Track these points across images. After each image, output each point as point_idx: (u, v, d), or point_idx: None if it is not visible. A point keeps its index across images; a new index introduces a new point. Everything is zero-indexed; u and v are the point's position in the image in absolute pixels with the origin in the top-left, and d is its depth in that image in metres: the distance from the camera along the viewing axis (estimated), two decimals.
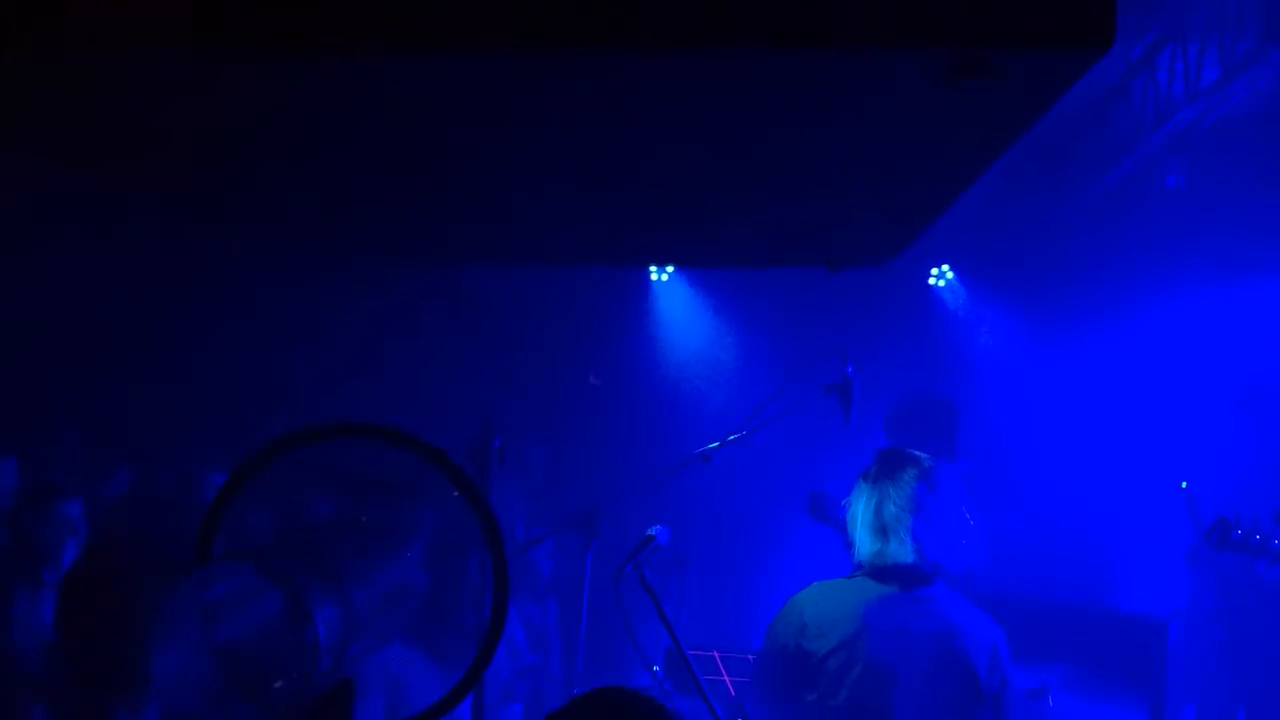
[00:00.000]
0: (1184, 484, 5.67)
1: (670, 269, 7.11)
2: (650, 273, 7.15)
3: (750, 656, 4.41)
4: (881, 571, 3.78)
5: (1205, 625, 6.17)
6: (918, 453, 3.93)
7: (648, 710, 2.28)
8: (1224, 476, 6.22)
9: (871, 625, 3.71)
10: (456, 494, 2.24)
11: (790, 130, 2.02)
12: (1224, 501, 5.94)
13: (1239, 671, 6.07)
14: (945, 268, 7.46)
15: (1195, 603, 6.43)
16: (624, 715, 2.25)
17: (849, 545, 3.95)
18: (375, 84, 2.00)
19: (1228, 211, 6.02)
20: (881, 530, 3.79)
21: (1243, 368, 6.11)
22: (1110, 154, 6.40)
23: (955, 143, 2.02)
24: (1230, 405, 6.02)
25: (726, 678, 4.83)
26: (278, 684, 1.81)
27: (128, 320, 3.38)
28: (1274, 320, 5.93)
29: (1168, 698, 5.63)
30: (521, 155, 2.43)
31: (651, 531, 4.00)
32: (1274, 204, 5.89)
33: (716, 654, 4.84)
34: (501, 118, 2.15)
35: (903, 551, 3.75)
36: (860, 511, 3.86)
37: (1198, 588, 6.38)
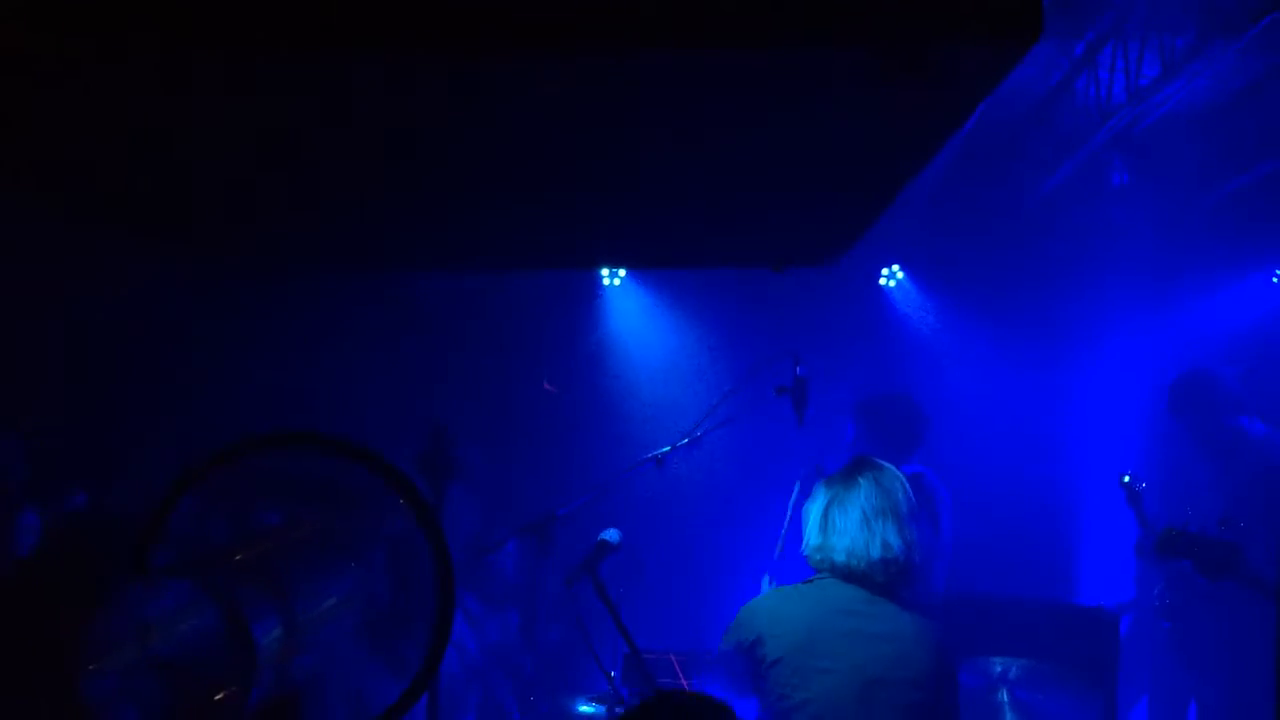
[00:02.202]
0: (1125, 478, 5.73)
1: (622, 272, 7.11)
2: (602, 276, 7.15)
3: (708, 657, 4.41)
4: (828, 572, 3.81)
5: (1154, 618, 6.24)
6: (884, 462, 3.97)
7: (716, 712, 2.29)
8: (1169, 474, 6.30)
9: (823, 631, 3.74)
10: (402, 501, 2.22)
11: (728, 130, 2.02)
12: (1169, 498, 6.03)
13: (1188, 663, 6.14)
14: (896, 268, 7.50)
15: (1144, 596, 6.51)
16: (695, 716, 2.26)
17: (804, 548, 3.99)
18: (314, 83, 1.98)
19: (1172, 208, 6.10)
20: (825, 529, 3.83)
21: (1183, 366, 6.17)
22: (1056, 152, 6.46)
23: (893, 140, 2.03)
24: (1167, 401, 6.09)
25: (684, 680, 4.82)
26: (217, 697, 1.78)
27: (66, 337, 3.34)
28: (1218, 317, 6.01)
29: (1121, 690, 5.69)
30: (462, 157, 2.41)
31: (604, 536, 4.01)
32: (1215, 200, 5.98)
33: (673, 657, 4.83)
34: (442, 119, 2.14)
35: (839, 551, 3.80)
36: (814, 509, 3.91)
37: (1145, 581, 6.46)
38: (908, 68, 1.60)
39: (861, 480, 3.86)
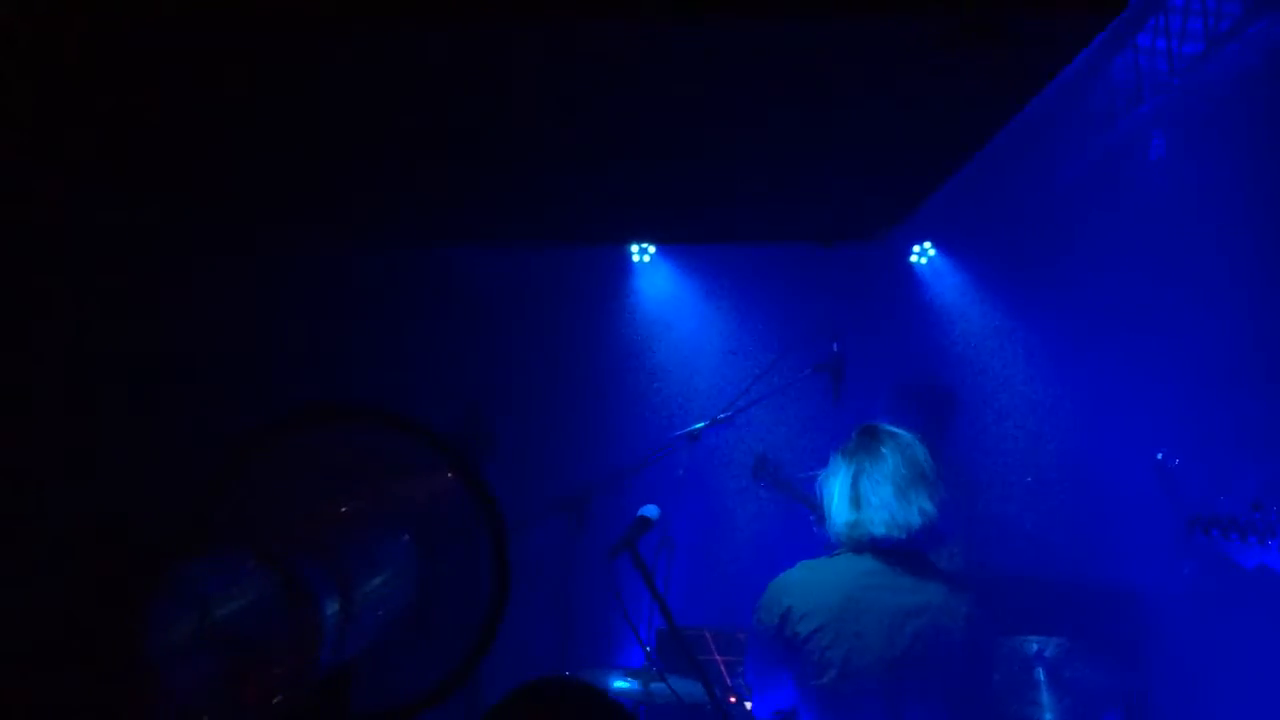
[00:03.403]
0: (1160, 456, 5.69)
1: (652, 249, 7.08)
2: (631, 253, 7.12)
3: (740, 635, 4.41)
4: (859, 546, 3.79)
5: (1184, 598, 6.20)
6: (895, 428, 3.94)
7: (585, 698, 2.27)
8: (1207, 453, 6.25)
9: (853, 603, 3.73)
10: (450, 476, 2.21)
11: (793, 101, 1.98)
12: (1203, 479, 5.98)
13: (1218, 644, 6.10)
14: (927, 244, 7.44)
15: (1175, 575, 6.47)
16: (563, 705, 2.24)
17: (817, 521, 3.96)
18: (370, 57, 1.95)
19: (1212, 184, 6.02)
20: (857, 503, 3.80)
21: (1224, 343, 6.12)
22: (1092, 127, 6.39)
23: (964, 109, 1.99)
24: (1208, 381, 6.04)
25: (717, 656, 4.83)
26: (277, 670, 1.77)
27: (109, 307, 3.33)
28: (1260, 293, 5.94)
29: (1154, 669, 5.67)
30: (509, 130, 2.38)
31: (643, 512, 4.01)
32: (1255, 176, 5.89)
33: (708, 633, 4.83)
34: (494, 91, 2.11)
35: (875, 521, 3.78)
36: (837, 485, 3.88)
37: (1176, 561, 6.42)
38: (987, 33, 1.56)
39: (885, 450, 3.83)
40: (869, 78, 1.87)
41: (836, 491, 3.87)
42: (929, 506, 3.77)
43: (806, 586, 3.83)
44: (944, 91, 1.90)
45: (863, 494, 3.80)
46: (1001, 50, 1.61)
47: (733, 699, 4.58)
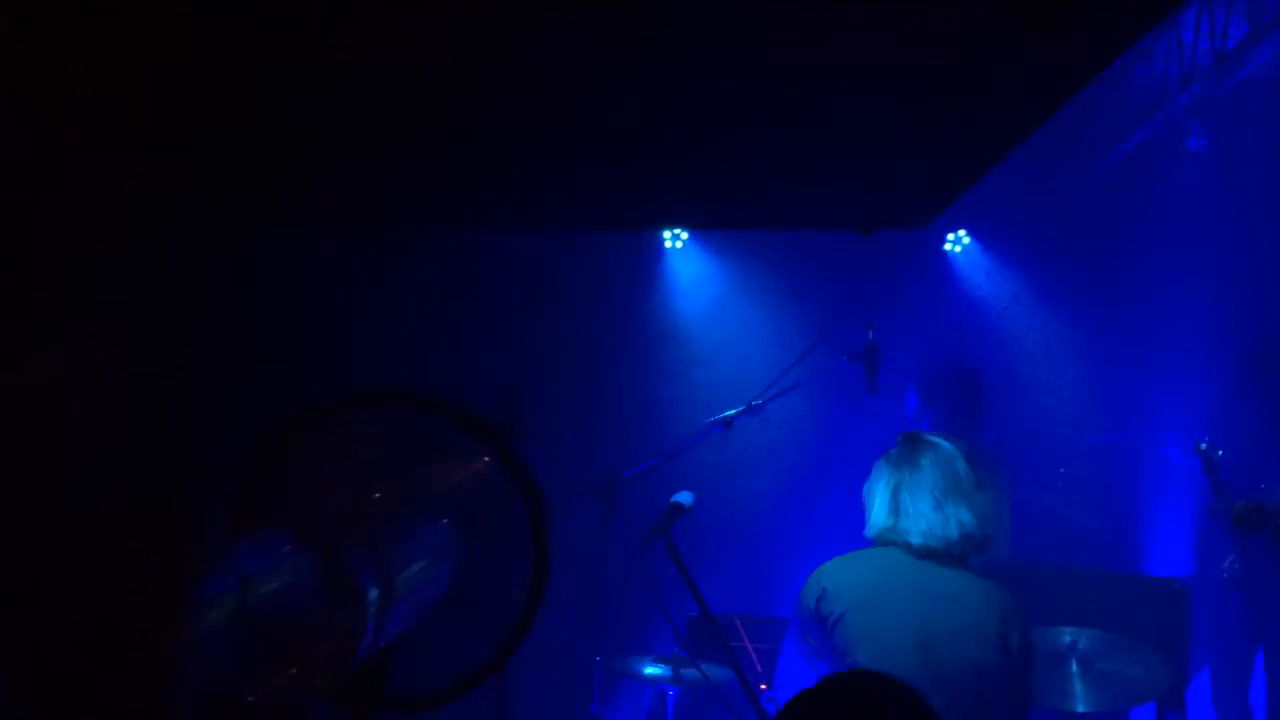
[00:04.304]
0: (1201, 444, 5.64)
1: (684, 235, 7.05)
2: (664, 239, 7.10)
3: (773, 621, 4.42)
4: (909, 552, 3.89)
5: (1223, 589, 6.16)
6: (937, 438, 4.06)
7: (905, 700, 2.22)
8: (1241, 442, 6.18)
9: (880, 589, 3.83)
10: (487, 460, 2.21)
11: (848, 83, 1.96)
12: (1240, 469, 5.92)
13: (1257, 637, 6.06)
14: (962, 233, 7.39)
15: (1213, 566, 6.42)
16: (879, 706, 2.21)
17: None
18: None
19: (1251, 175, 5.96)
20: (896, 512, 3.93)
21: (1263, 332, 6.06)
22: (1132, 116, 6.33)
23: (1014, 96, 1.97)
24: (1244, 370, 5.99)
25: (748, 644, 4.82)
26: (319, 653, 1.78)
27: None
28: None
29: (1189, 660, 5.62)
30: (545, 113, 2.37)
31: (677, 498, 4.03)
32: None
33: (739, 621, 4.83)
34: (529, 73, 2.10)
35: (913, 527, 3.89)
36: (879, 491, 4.01)
37: (1215, 551, 6.36)
38: (1048, 18, 1.54)
39: (924, 462, 3.96)
40: (925, 65, 1.85)
41: (878, 498, 4.01)
42: (967, 518, 3.89)
43: (840, 572, 3.98)
44: (999, 78, 1.88)
45: (902, 504, 3.93)
46: (1060, 36, 1.59)
47: (764, 686, 4.58)
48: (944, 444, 4.03)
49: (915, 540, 3.88)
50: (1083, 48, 1.73)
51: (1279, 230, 6.22)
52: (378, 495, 2.25)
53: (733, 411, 4.79)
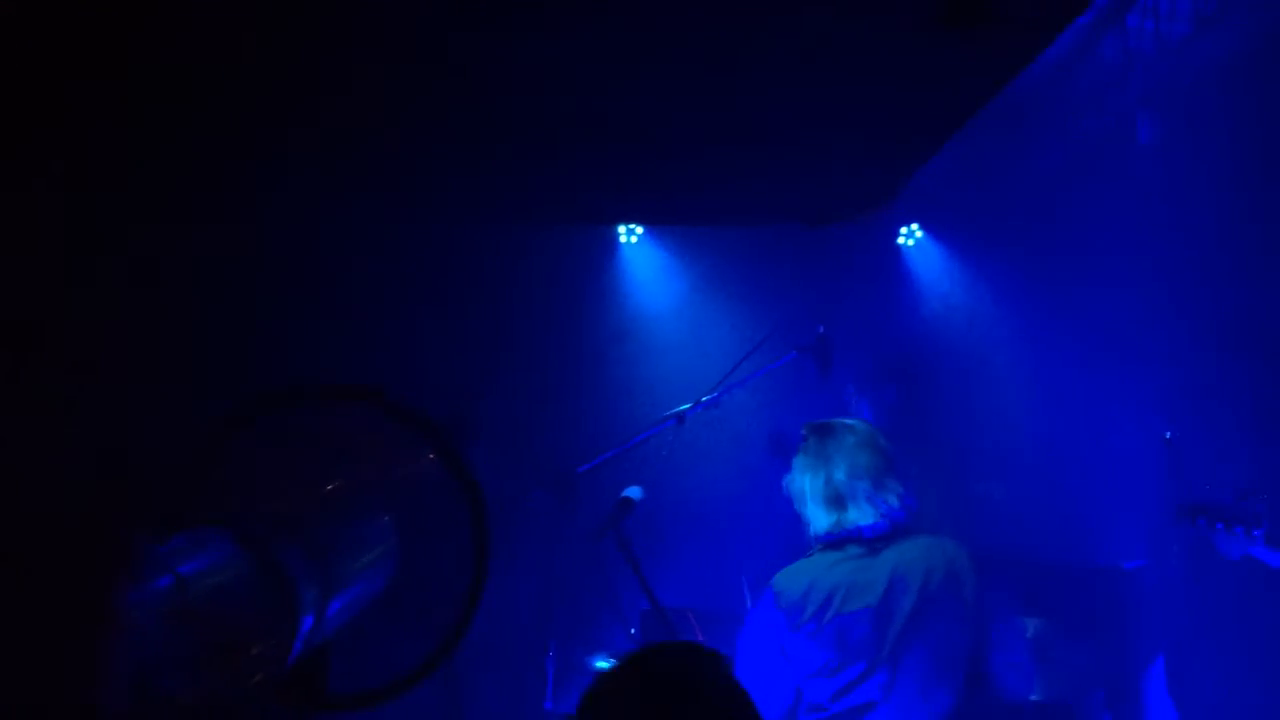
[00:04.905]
0: (1168, 436, 5.68)
1: (640, 230, 7.05)
2: (619, 234, 7.09)
3: (726, 615, 4.42)
4: (841, 541, 3.83)
5: (1170, 581, 6.21)
6: (848, 420, 4.03)
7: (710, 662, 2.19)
8: (1198, 435, 6.25)
9: (839, 589, 3.78)
10: (432, 458, 2.20)
11: (781, 79, 1.97)
12: (1204, 460, 5.97)
13: (1202, 630, 6.12)
14: (914, 226, 7.43)
15: (1168, 557, 6.48)
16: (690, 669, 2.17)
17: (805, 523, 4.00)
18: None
19: (1198, 165, 6.01)
20: (838, 502, 3.85)
21: (1210, 324, 6.12)
22: (1081, 109, 6.38)
23: (945, 89, 1.99)
24: (1194, 362, 6.05)
25: (702, 637, 4.83)
26: (254, 651, 1.76)
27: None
28: (1249, 274, 5.93)
29: (1138, 650, 5.69)
30: (496, 107, 2.36)
31: (627, 493, 4.02)
32: (1242, 157, 5.89)
33: (692, 614, 4.83)
34: (477, 65, 2.10)
35: (861, 516, 3.84)
36: (810, 488, 3.91)
37: (1171, 542, 6.42)
38: (976, 13, 1.55)
39: (848, 447, 3.88)
40: (858, 58, 1.86)
41: (810, 494, 3.92)
42: (901, 488, 3.87)
43: (806, 577, 3.86)
44: (931, 71, 1.89)
45: (841, 493, 3.85)
46: (989, 30, 1.60)
47: None
48: (858, 423, 3.99)
49: (865, 522, 3.82)
50: (1010, 42, 1.74)
51: (1228, 221, 6.29)
52: (318, 492, 2.24)
53: (685, 406, 4.79)
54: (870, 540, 3.83)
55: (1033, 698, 4.65)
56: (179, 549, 1.78)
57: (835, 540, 3.86)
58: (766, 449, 5.57)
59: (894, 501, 3.83)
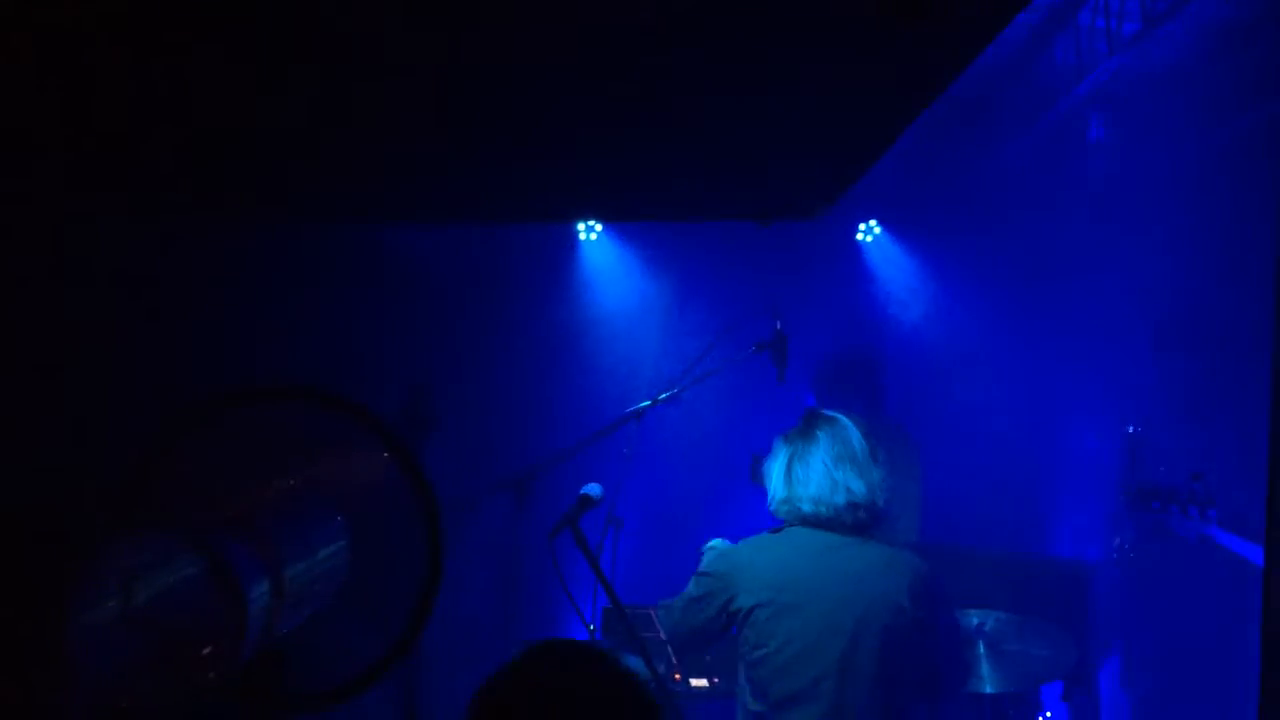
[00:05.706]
0: (1131, 429, 5.74)
1: (599, 227, 7.04)
2: (578, 231, 7.08)
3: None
4: (803, 522, 3.92)
5: (1123, 570, 6.28)
6: (836, 413, 4.13)
7: (597, 661, 2.21)
8: (1156, 424, 6.32)
9: (794, 573, 3.87)
10: (386, 456, 2.20)
11: (724, 76, 1.98)
12: (1158, 451, 6.05)
13: (1149, 618, 6.18)
14: (873, 223, 7.46)
15: (1122, 547, 6.54)
16: (574, 668, 2.19)
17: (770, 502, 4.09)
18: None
19: (1148, 162, 6.08)
20: (790, 482, 4.01)
21: (1162, 315, 6.19)
22: (1034, 107, 6.44)
23: (891, 85, 2.00)
24: (1147, 351, 6.11)
25: (663, 634, 4.83)
26: (205, 651, 1.76)
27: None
28: (1196, 267, 6.01)
29: (1096, 640, 5.74)
30: (449, 106, 2.36)
31: (585, 490, 4.03)
32: (1190, 155, 5.96)
33: (653, 611, 4.84)
34: (432, 63, 2.09)
35: (806, 501, 3.96)
36: (777, 464, 4.07)
37: (1124, 532, 6.49)
38: (909, 9, 1.57)
39: (819, 433, 4.03)
40: (800, 55, 1.87)
41: (774, 471, 4.08)
42: (857, 485, 3.95)
43: (749, 562, 3.99)
44: (872, 69, 1.91)
45: (794, 474, 4.00)
46: (928, 28, 1.62)
47: (676, 676, 4.60)
48: (842, 418, 4.09)
49: (806, 508, 3.93)
50: (949, 40, 1.76)
51: (1176, 216, 6.37)
52: (270, 492, 2.23)
53: (644, 404, 4.81)
54: (809, 516, 3.92)
55: (988, 690, 4.69)
56: (129, 550, 1.78)
57: (799, 521, 3.95)
58: (748, 475, 5.61)
59: (840, 494, 3.93)
